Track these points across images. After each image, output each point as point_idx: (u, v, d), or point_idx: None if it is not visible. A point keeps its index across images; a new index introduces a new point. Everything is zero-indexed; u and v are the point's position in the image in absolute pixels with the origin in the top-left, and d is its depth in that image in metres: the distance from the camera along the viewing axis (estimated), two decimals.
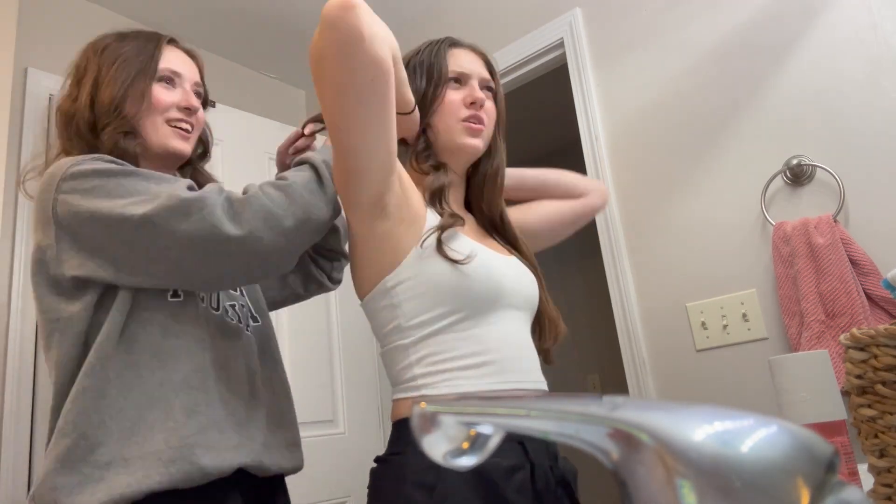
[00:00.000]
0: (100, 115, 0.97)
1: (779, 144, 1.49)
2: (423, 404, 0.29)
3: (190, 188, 0.89)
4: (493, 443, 0.28)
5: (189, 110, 1.03)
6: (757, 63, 1.55)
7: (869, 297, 1.32)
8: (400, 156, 1.00)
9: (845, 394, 0.69)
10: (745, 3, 1.58)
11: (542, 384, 0.98)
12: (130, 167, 0.91)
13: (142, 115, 0.99)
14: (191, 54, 1.09)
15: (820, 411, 0.72)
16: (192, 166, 1.11)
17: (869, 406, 0.62)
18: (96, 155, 0.92)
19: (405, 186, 0.93)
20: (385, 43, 0.79)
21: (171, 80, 1.03)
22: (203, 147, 1.14)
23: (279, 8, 2.29)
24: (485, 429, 0.28)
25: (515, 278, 0.97)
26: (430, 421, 0.28)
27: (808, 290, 1.36)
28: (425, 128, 1.01)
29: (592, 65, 1.85)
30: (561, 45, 1.92)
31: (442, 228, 0.90)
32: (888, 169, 1.35)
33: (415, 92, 0.99)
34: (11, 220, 1.77)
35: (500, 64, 2.05)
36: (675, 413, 0.23)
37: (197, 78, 1.08)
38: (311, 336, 2.21)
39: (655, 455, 0.22)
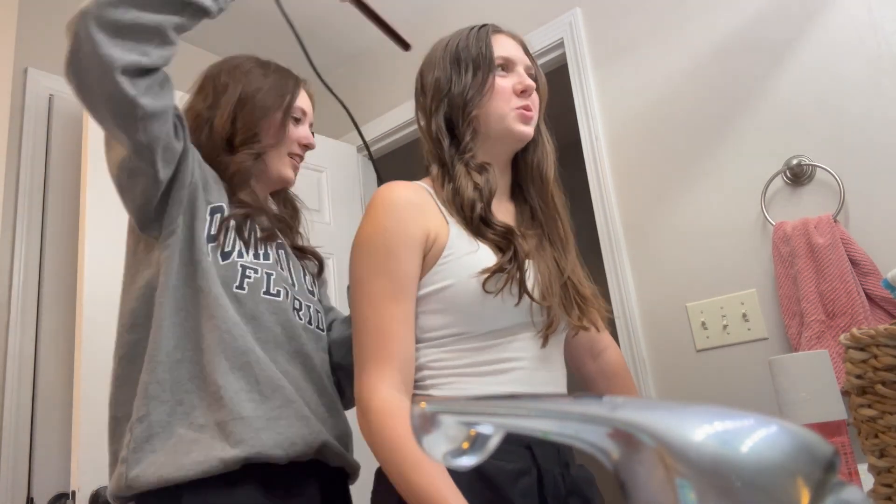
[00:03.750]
0: (238, 134, 1.08)
1: (779, 144, 1.49)
2: (422, 404, 0.29)
3: None
4: (493, 443, 0.28)
5: (307, 147, 1.16)
6: (757, 63, 1.55)
7: (869, 297, 1.31)
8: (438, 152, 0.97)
9: (845, 394, 0.69)
10: (745, 3, 1.58)
11: None
12: None
13: (272, 146, 1.11)
14: (310, 96, 1.21)
15: (820, 411, 0.72)
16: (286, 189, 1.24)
17: (869, 406, 0.62)
18: None
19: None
20: None
21: (299, 119, 1.15)
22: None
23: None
24: (485, 429, 0.28)
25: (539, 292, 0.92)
26: (430, 421, 0.28)
27: (808, 290, 1.36)
28: (472, 117, 0.97)
29: (592, 65, 1.85)
30: (561, 45, 1.92)
31: (503, 270, 0.87)
32: (888, 169, 1.35)
33: (459, 82, 0.97)
34: (11, 220, 1.77)
35: None
36: (675, 413, 0.23)
37: (312, 118, 1.20)
38: None
39: (655, 455, 0.22)
